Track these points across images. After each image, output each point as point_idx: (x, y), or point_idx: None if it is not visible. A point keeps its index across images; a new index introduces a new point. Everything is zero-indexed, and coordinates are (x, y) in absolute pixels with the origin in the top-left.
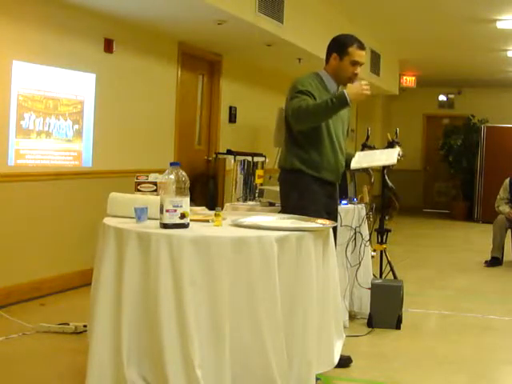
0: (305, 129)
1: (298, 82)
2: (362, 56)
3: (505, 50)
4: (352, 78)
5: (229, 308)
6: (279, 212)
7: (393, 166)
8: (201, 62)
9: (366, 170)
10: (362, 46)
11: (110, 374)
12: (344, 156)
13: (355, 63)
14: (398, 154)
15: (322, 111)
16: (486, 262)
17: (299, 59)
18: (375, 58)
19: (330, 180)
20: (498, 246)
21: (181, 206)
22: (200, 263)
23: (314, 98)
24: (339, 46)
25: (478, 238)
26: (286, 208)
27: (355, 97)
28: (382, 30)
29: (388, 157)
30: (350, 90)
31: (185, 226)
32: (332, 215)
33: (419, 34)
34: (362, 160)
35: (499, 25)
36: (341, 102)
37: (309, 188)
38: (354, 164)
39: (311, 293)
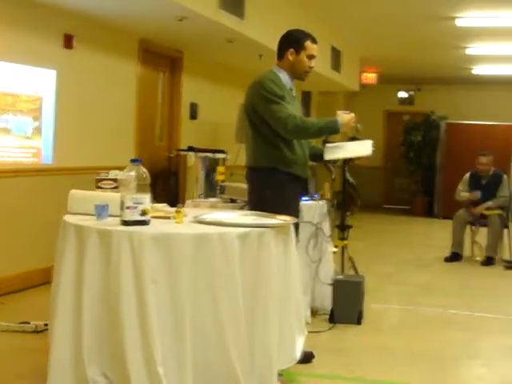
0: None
1: (272, 83)
2: (316, 49)
3: (464, 47)
4: (308, 71)
5: (190, 305)
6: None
7: (357, 159)
8: (162, 58)
9: (326, 166)
10: (315, 40)
11: (71, 373)
12: (308, 150)
13: (311, 57)
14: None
15: (315, 131)
16: (446, 257)
17: (260, 55)
18: (336, 55)
19: (301, 176)
20: (458, 241)
21: (142, 203)
22: (161, 260)
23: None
24: (295, 41)
25: (439, 234)
26: (260, 206)
27: (345, 126)
28: (344, 27)
29: (362, 148)
30: (343, 120)
31: (146, 222)
32: (299, 211)
33: (380, 31)
34: (336, 151)
35: (458, 22)
36: (334, 127)
37: (283, 185)
38: (329, 155)
39: (272, 289)
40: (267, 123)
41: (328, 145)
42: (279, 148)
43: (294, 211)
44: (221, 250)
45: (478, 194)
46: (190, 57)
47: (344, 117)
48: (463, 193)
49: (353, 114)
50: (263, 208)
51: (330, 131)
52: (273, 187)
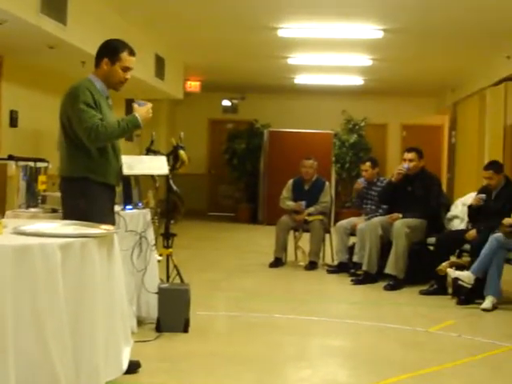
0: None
1: (81, 92)
2: (133, 62)
3: (285, 57)
4: (123, 82)
5: (12, 319)
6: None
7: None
8: None
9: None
10: (133, 52)
11: None
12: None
13: (126, 69)
14: (183, 163)
15: (119, 134)
16: (270, 262)
17: (83, 62)
18: (160, 63)
19: (113, 184)
20: (281, 246)
21: None
22: None
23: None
24: (111, 51)
25: (263, 240)
26: (74, 217)
27: (144, 119)
28: (167, 34)
29: (158, 164)
30: (140, 113)
31: None
32: (113, 220)
33: (204, 39)
34: (134, 166)
35: (280, 33)
36: (135, 125)
37: (97, 195)
38: (126, 170)
39: (97, 299)
40: None
41: (125, 157)
42: (92, 158)
43: (109, 220)
44: (42, 261)
45: (302, 205)
46: (11, 62)
47: (140, 110)
48: (288, 202)
49: (150, 105)
50: (78, 218)
51: (133, 128)
52: (86, 197)
